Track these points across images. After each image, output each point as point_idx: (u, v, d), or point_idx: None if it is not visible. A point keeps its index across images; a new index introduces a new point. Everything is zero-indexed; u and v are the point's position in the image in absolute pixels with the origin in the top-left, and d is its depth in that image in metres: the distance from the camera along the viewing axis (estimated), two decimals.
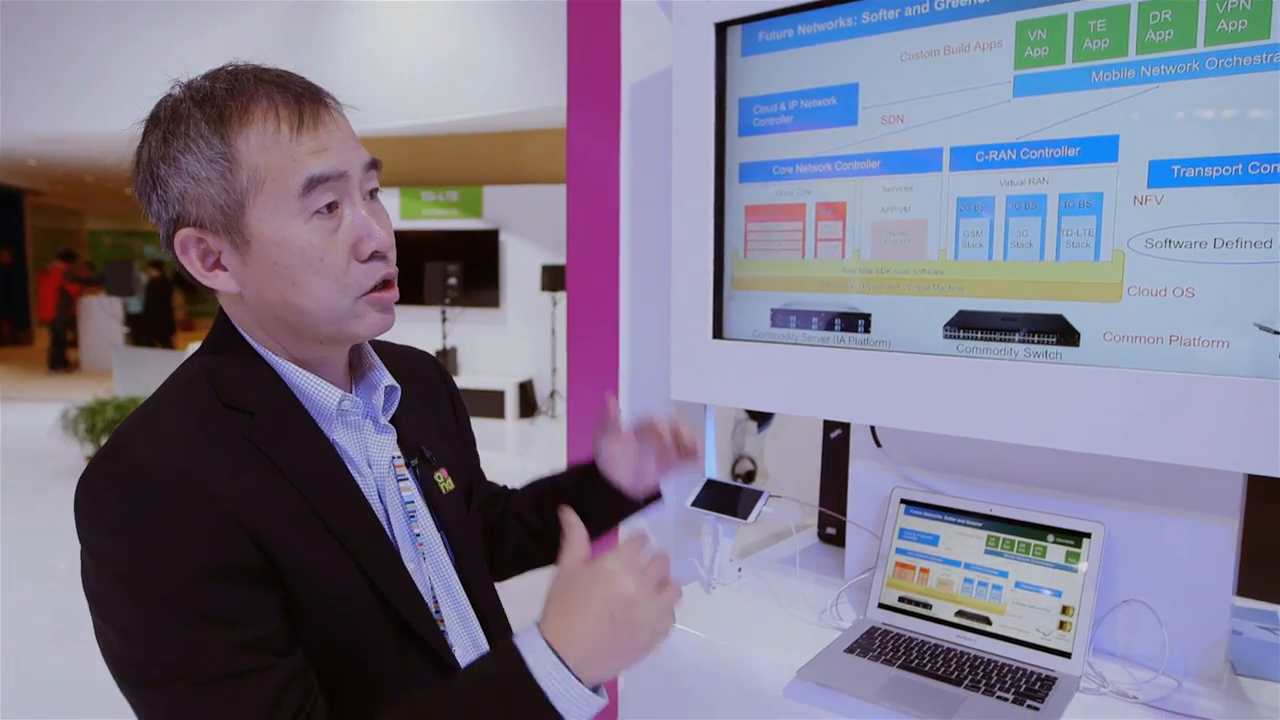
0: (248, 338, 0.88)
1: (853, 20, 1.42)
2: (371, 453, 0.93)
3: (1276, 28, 1.07)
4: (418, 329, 8.40)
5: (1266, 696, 1.25)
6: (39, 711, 3.18)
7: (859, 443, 1.66)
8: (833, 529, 1.92)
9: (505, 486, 1.30)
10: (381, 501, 0.92)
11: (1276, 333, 1.10)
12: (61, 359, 12.71)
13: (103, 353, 11.53)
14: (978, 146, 1.32)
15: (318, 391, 0.88)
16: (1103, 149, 1.21)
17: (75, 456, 6.63)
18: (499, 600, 1.08)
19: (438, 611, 0.95)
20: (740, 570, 1.70)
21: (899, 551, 1.50)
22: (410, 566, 0.91)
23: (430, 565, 0.96)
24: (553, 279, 8.21)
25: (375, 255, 0.86)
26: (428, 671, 0.89)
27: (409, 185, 9.03)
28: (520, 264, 8.81)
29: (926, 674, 1.29)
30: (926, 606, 1.44)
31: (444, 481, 1.01)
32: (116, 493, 0.76)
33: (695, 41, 1.58)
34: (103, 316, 12.27)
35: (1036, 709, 1.19)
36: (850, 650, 1.36)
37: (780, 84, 1.52)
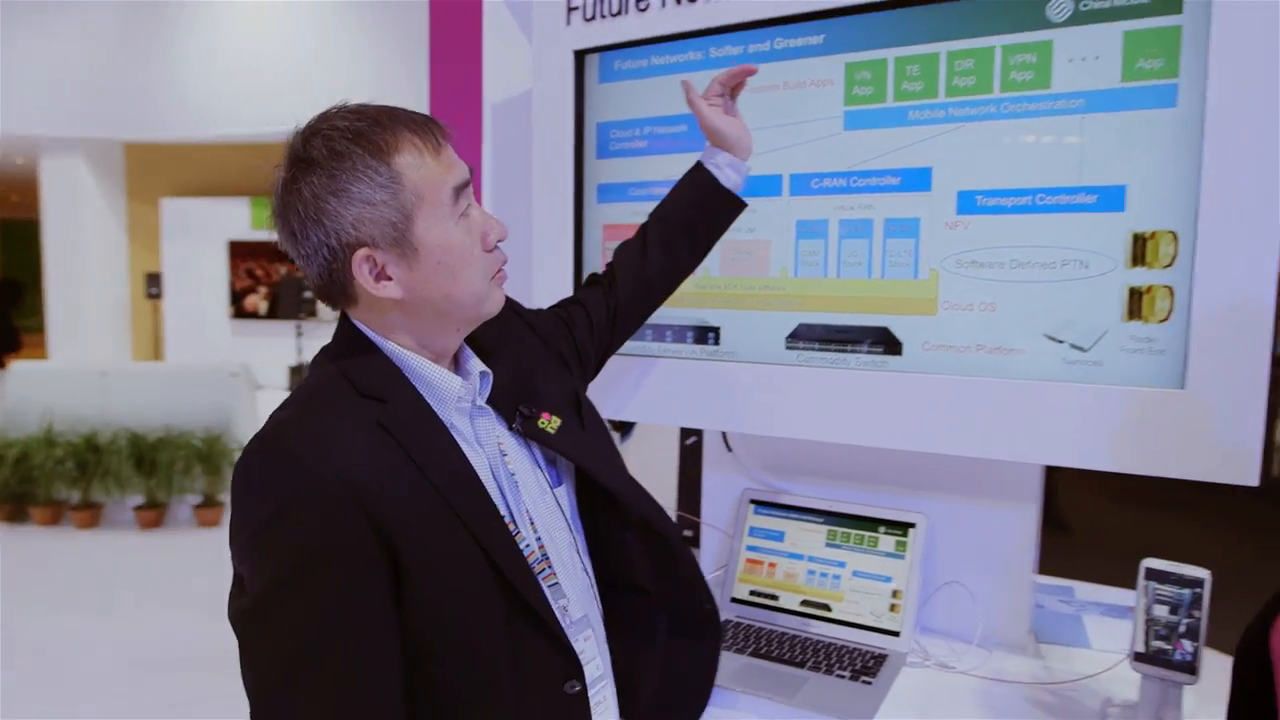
0: (376, 338, 0.97)
1: (702, 54, 1.53)
2: (478, 431, 1.03)
3: (1055, 81, 1.25)
4: (270, 344, 8.06)
5: (1063, 661, 1.43)
6: None
7: (712, 449, 1.76)
8: (690, 531, 2.01)
9: (608, 270, 1.35)
10: (495, 478, 1.01)
11: (1061, 342, 1.27)
12: None
13: None
14: (814, 174, 1.44)
15: (442, 379, 0.98)
16: (919, 179, 1.36)
17: None
18: (655, 503, 1.15)
19: (548, 571, 1.02)
20: None
21: (749, 549, 1.61)
22: (517, 536, 0.99)
23: (541, 530, 1.03)
24: None
25: (496, 245, 1.01)
26: (534, 640, 0.97)
27: (260, 194, 8.66)
28: None
29: (774, 659, 1.40)
30: (774, 598, 1.55)
31: (548, 424, 1.07)
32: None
33: (555, 67, 1.64)
34: None
35: (869, 683, 1.32)
36: None
37: (636, 110, 1.61)
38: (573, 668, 1.01)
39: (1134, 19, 1.20)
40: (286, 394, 1.00)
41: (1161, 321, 1.21)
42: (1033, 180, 1.28)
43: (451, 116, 1.90)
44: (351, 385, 0.95)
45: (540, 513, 1.05)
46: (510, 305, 1.20)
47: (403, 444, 0.92)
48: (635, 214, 1.62)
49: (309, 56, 6.93)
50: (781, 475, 1.67)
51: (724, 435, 1.72)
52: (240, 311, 8.44)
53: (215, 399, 5.55)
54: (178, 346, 8.35)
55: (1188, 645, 1.16)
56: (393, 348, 0.98)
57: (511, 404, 1.06)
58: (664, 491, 2.07)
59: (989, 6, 1.28)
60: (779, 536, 1.59)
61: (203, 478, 5.35)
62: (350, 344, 0.98)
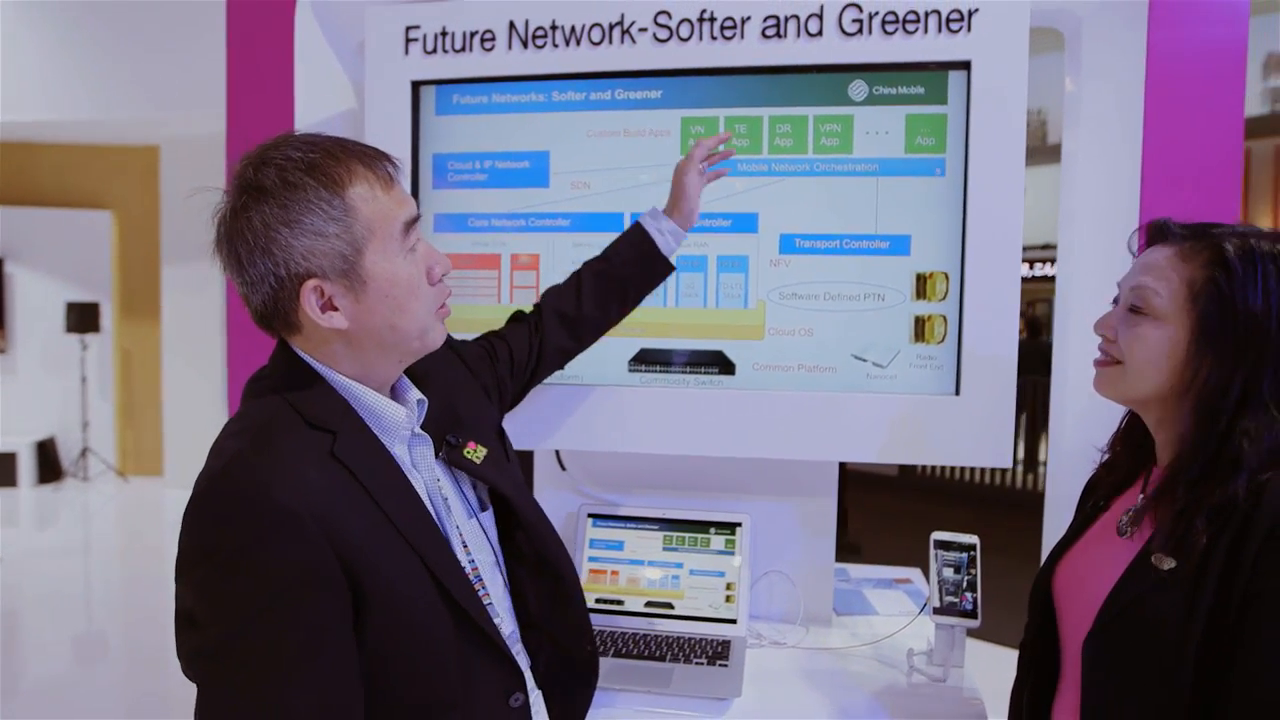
0: (320, 368, 0.98)
1: (544, 96, 1.63)
2: (415, 459, 1.05)
3: (856, 147, 1.52)
4: None
5: (864, 628, 1.71)
6: None
7: (543, 469, 1.85)
8: None
9: (535, 309, 1.41)
10: (431, 501, 1.04)
11: (865, 360, 1.54)
12: None
13: None
14: None
15: (388, 409, 1.01)
16: (747, 222, 1.57)
17: None
18: (558, 540, 1.20)
19: (483, 591, 1.06)
20: None
21: (591, 559, 1.72)
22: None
23: (473, 550, 1.07)
24: (82, 319, 7.05)
25: (441, 278, 1.03)
26: (481, 655, 1.02)
27: None
28: (36, 300, 7.37)
29: (635, 657, 1.52)
30: (620, 603, 1.67)
31: (474, 453, 1.11)
32: None
33: (391, 96, 1.65)
34: None
35: (726, 666, 1.49)
36: None
37: (474, 144, 1.66)
38: (516, 680, 1.07)
39: (913, 105, 1.51)
40: None
41: (939, 343, 1.52)
42: (840, 227, 1.54)
43: (259, 134, 1.80)
44: (300, 416, 0.95)
45: (469, 535, 1.09)
46: None
47: (356, 475, 0.94)
48: (475, 244, 1.67)
49: None
50: (615, 489, 1.80)
51: (558, 455, 1.81)
52: None
53: None
54: None
55: (970, 597, 1.47)
56: (337, 378, 0.99)
57: (440, 432, 1.09)
58: None
59: (803, 82, 1.54)
60: (619, 546, 1.72)
61: None
62: (291, 373, 0.98)
